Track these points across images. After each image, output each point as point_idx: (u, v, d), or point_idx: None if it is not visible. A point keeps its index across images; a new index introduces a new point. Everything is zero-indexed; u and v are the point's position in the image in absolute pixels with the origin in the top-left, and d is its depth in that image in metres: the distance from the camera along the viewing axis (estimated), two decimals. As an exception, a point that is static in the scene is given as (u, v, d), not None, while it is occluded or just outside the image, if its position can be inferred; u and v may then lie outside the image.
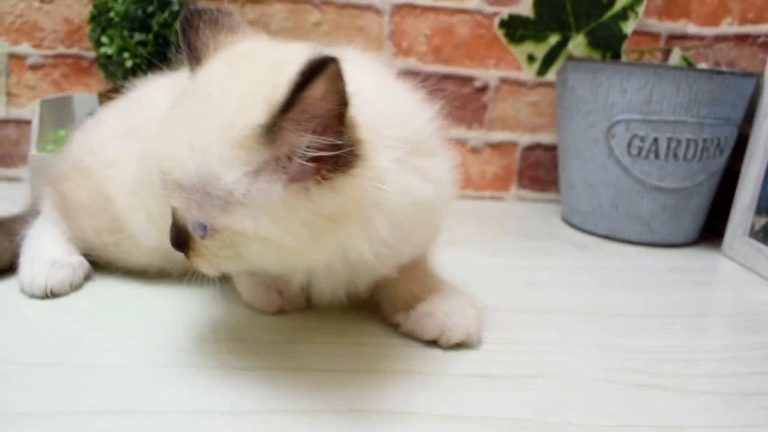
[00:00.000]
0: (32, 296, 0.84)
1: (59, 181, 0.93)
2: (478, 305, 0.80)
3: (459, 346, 0.77)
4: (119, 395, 0.63)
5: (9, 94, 1.48)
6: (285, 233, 0.59)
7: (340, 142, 0.55)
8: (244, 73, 0.62)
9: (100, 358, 0.70)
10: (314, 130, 0.54)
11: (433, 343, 0.77)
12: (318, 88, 0.52)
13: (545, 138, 1.63)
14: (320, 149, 0.55)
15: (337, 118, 0.54)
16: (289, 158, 0.56)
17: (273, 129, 0.55)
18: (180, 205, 0.61)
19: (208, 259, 0.65)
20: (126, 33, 1.24)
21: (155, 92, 0.87)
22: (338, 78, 0.52)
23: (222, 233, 0.61)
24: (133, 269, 0.92)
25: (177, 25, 1.19)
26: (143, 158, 0.81)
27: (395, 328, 0.80)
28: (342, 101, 0.54)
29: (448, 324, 0.76)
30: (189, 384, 0.66)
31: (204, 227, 0.61)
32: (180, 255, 0.69)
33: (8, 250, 0.89)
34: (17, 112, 1.49)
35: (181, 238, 0.65)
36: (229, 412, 0.62)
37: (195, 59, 0.67)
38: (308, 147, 0.55)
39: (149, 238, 0.87)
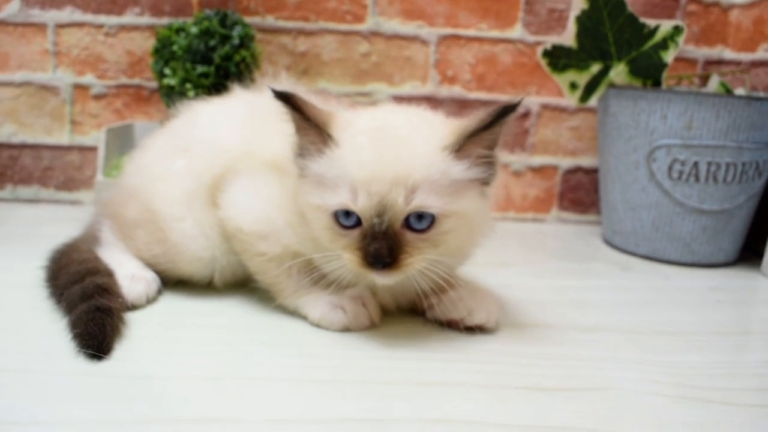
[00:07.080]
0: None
1: (115, 206, 1.02)
2: (497, 298, 0.97)
3: (479, 329, 0.91)
4: (209, 405, 0.69)
5: (73, 122, 1.56)
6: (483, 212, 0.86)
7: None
8: (411, 121, 0.84)
9: (185, 371, 0.76)
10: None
11: (455, 325, 0.91)
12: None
13: (585, 161, 1.67)
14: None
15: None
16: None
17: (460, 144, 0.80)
18: (414, 204, 0.77)
19: (415, 257, 0.80)
20: (188, 65, 1.31)
21: (200, 117, 1.01)
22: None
23: (448, 218, 0.79)
24: (181, 278, 1.00)
25: (237, 58, 1.27)
26: (195, 172, 0.96)
27: (426, 311, 0.93)
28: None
29: (473, 308, 0.91)
30: (268, 395, 0.72)
31: (431, 218, 0.78)
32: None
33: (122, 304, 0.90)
34: (80, 139, 1.58)
35: (393, 246, 0.78)
36: (306, 420, 0.67)
37: (319, 124, 0.82)
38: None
39: (195, 247, 0.96)
